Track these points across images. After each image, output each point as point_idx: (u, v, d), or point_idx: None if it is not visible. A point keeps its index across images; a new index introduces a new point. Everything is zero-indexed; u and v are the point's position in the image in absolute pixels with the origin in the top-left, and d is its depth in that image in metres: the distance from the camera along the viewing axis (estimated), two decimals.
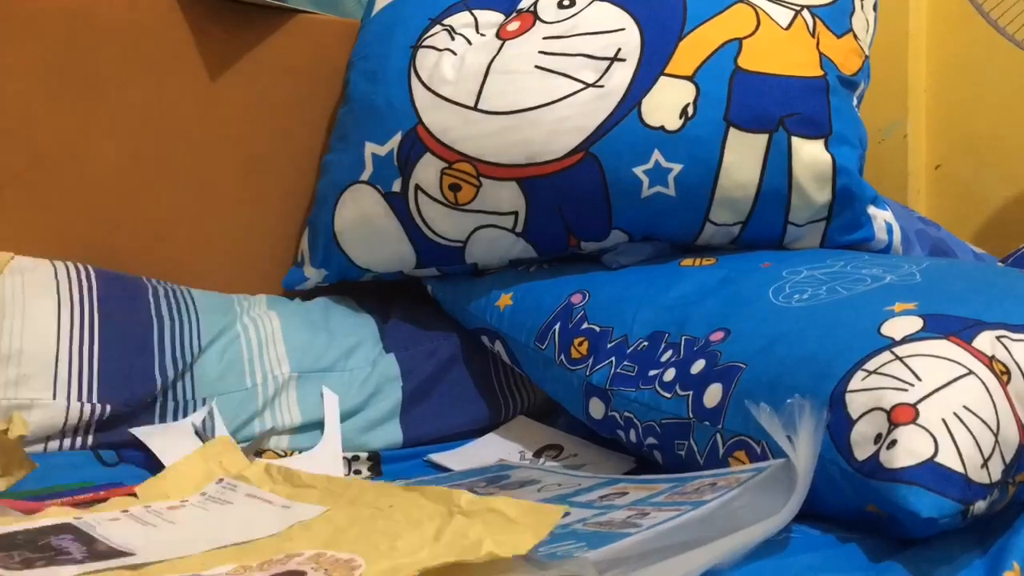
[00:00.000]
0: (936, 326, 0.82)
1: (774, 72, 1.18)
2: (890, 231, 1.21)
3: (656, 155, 1.16)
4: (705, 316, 1.00)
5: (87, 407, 1.06)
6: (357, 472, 1.12)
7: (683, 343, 0.98)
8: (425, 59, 1.27)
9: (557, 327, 1.13)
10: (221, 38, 1.34)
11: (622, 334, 1.05)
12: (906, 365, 0.78)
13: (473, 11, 1.30)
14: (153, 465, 1.00)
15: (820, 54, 1.21)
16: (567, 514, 0.73)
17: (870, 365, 0.79)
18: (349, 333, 1.25)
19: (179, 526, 0.77)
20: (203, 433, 1.08)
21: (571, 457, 1.05)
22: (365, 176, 1.28)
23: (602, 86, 1.19)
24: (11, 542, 0.70)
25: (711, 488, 0.74)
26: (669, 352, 0.99)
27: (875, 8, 1.34)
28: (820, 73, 1.19)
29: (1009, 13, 1.47)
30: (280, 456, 1.10)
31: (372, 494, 0.78)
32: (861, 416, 0.77)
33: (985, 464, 0.73)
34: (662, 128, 1.16)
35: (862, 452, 0.75)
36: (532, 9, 1.27)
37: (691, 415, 0.91)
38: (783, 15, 1.23)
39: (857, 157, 1.19)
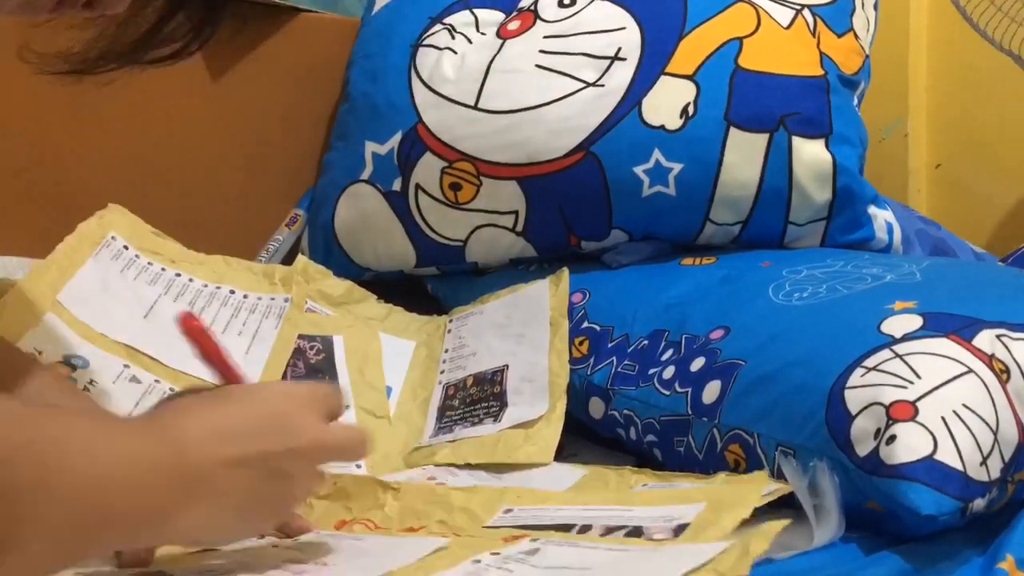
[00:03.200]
0: (936, 324, 0.82)
1: (775, 71, 1.18)
2: (890, 231, 1.21)
3: (656, 154, 1.16)
4: (705, 314, 1.00)
5: None
6: None
7: (683, 341, 0.98)
8: (425, 58, 1.27)
9: None
10: (221, 38, 1.33)
11: (623, 333, 1.05)
12: (906, 363, 0.78)
13: (473, 10, 1.30)
14: None
15: (821, 53, 1.21)
16: None
17: (869, 362, 0.79)
18: None
19: None
20: None
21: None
22: (365, 175, 1.28)
23: (602, 85, 1.19)
24: None
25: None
26: (670, 351, 0.99)
27: (876, 7, 1.34)
28: (821, 72, 1.19)
29: (1000, 27, 1.47)
30: None
31: None
32: (860, 412, 0.77)
33: (984, 462, 0.73)
34: (662, 127, 1.16)
35: (862, 448, 0.75)
36: (532, 8, 1.27)
37: (690, 411, 0.91)
38: (784, 14, 1.23)
39: (857, 156, 1.19)
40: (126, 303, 1.09)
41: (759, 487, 0.76)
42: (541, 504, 0.80)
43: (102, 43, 0.78)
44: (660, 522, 0.72)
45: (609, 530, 0.72)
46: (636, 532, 0.71)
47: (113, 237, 1.13)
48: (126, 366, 1.03)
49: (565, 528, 0.74)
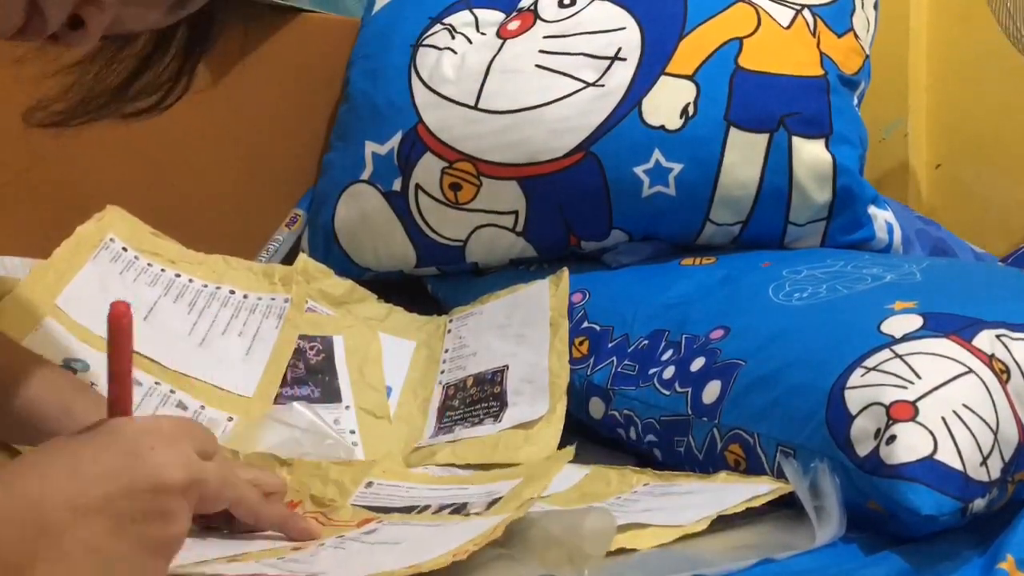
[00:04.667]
0: (936, 324, 0.82)
1: (775, 71, 1.19)
2: (890, 231, 1.21)
3: (656, 155, 1.16)
4: (705, 314, 1.00)
5: None
6: None
7: (683, 341, 0.98)
8: (425, 58, 1.27)
9: None
10: (221, 37, 1.34)
11: (623, 333, 1.06)
12: (906, 363, 0.78)
13: (473, 10, 1.30)
14: None
15: (821, 53, 1.21)
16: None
17: (869, 362, 0.79)
18: None
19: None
20: None
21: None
22: (365, 175, 1.28)
23: (602, 85, 1.19)
24: None
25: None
26: (670, 351, 0.99)
27: (876, 7, 1.34)
28: (821, 72, 1.19)
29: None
30: None
31: None
32: (860, 412, 0.77)
33: (984, 462, 0.73)
34: (662, 127, 1.16)
35: (863, 448, 0.75)
36: (532, 8, 1.27)
37: (690, 411, 0.91)
38: (784, 14, 1.23)
39: (858, 157, 1.19)
40: None
41: (561, 461, 0.86)
42: (400, 480, 0.87)
43: (79, 93, 0.78)
44: (483, 497, 0.79)
45: (442, 507, 0.79)
46: (461, 508, 0.78)
47: (112, 239, 1.13)
48: None
49: (410, 509, 0.80)
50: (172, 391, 1.02)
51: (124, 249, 1.13)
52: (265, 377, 1.08)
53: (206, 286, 1.15)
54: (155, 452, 0.58)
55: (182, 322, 1.10)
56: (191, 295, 1.13)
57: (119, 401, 0.62)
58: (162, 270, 1.14)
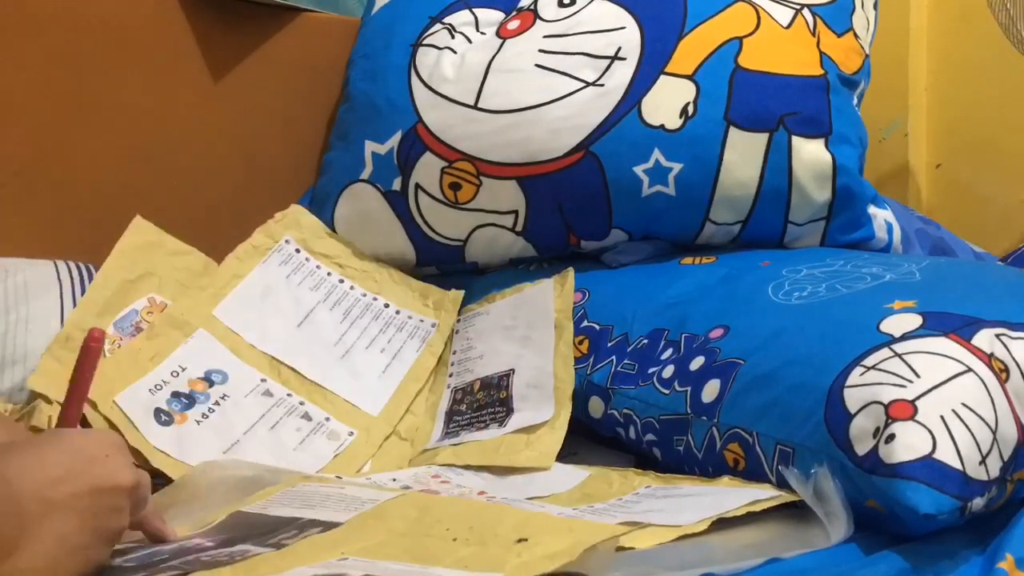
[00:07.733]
0: (935, 323, 0.82)
1: (774, 71, 1.19)
2: (890, 230, 1.21)
3: (656, 154, 1.16)
4: (705, 314, 1.00)
5: None
6: None
7: (683, 340, 0.98)
8: (425, 57, 1.27)
9: None
10: (221, 37, 1.34)
11: (622, 332, 1.06)
12: (905, 362, 0.78)
13: (473, 9, 1.30)
14: None
15: (820, 53, 1.21)
16: None
17: (869, 361, 0.79)
18: None
19: None
20: None
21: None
22: (365, 175, 1.28)
23: (602, 85, 1.19)
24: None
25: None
26: (669, 350, 0.99)
27: (876, 7, 1.34)
28: (820, 72, 1.19)
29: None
30: None
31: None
32: (859, 411, 0.77)
33: (983, 461, 0.73)
34: (662, 127, 1.16)
35: (862, 447, 0.75)
36: (532, 7, 1.27)
37: (689, 410, 0.91)
38: (784, 14, 1.23)
39: (857, 156, 1.19)
40: (282, 311, 1.13)
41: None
42: None
43: None
44: None
45: None
46: None
47: (287, 240, 1.18)
48: (263, 380, 1.07)
49: None
50: (301, 403, 1.06)
51: (297, 251, 1.18)
52: (393, 400, 1.11)
53: (364, 295, 1.18)
54: (109, 459, 0.68)
55: (332, 331, 1.14)
56: (348, 303, 1.17)
57: (71, 417, 0.78)
58: (328, 274, 1.18)
